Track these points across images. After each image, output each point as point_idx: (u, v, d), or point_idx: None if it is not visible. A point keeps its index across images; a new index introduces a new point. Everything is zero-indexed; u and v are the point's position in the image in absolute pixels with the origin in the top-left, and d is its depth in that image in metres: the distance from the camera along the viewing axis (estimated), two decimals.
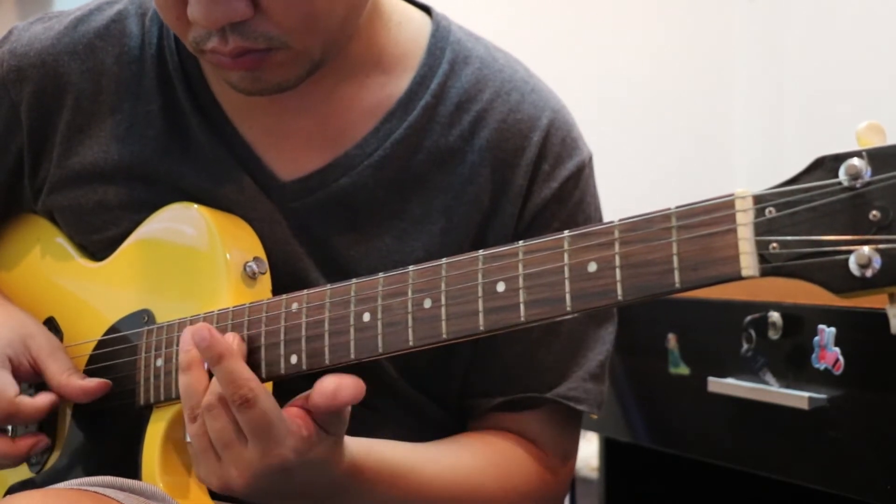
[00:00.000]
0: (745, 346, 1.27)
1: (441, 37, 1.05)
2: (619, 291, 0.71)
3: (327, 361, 0.87)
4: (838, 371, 1.15)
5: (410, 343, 0.82)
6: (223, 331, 0.94)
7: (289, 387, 0.95)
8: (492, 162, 1.03)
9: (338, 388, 0.83)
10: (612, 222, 0.73)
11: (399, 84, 1.04)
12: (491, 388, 1.05)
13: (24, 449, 1.05)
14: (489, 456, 1.03)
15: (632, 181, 2.09)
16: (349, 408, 0.85)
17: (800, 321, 1.21)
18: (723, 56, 2.19)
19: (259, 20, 0.89)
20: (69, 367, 1.05)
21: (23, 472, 1.10)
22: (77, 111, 1.06)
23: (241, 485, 0.86)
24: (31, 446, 1.05)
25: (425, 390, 1.06)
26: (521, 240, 1.00)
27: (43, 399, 1.03)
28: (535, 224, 1.03)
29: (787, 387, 1.22)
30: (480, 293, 0.79)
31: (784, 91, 2.04)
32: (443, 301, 0.81)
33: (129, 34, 1.06)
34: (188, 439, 0.89)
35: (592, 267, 0.73)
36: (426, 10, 1.09)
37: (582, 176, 1.05)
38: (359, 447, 0.92)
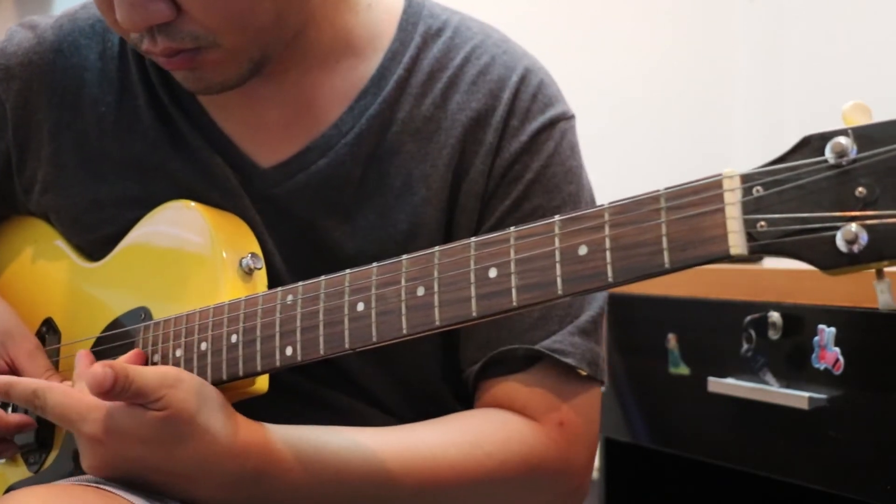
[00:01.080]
0: (745, 346, 1.27)
1: (413, 12, 1.06)
2: (610, 273, 0.71)
3: (322, 352, 0.87)
4: (838, 371, 1.16)
5: (404, 331, 0.82)
6: (219, 325, 0.94)
7: (284, 379, 0.96)
8: (464, 123, 1.02)
9: (91, 381, 0.85)
10: (602, 205, 0.73)
11: (371, 63, 1.04)
12: (477, 355, 1.02)
13: (13, 426, 1.04)
14: (456, 423, 0.99)
15: (630, 180, 2.08)
16: (150, 384, 0.86)
17: (800, 321, 1.21)
18: (723, 56, 2.19)
19: (183, 21, 0.90)
20: (48, 369, 1.05)
21: (21, 472, 1.10)
22: (62, 108, 1.07)
23: (85, 465, 0.90)
24: (18, 422, 1.04)
25: (450, 384, 1.05)
26: (492, 196, 1.01)
27: (14, 417, 1.04)
28: (507, 178, 1.02)
29: (787, 387, 1.22)
30: (473, 279, 0.79)
31: (784, 91, 2.03)
32: (436, 288, 0.81)
33: (112, 30, 1.07)
34: None
35: (583, 250, 0.73)
36: None
37: (556, 128, 1.04)
38: (279, 433, 0.90)
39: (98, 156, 1.06)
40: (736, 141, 2.16)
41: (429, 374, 1.05)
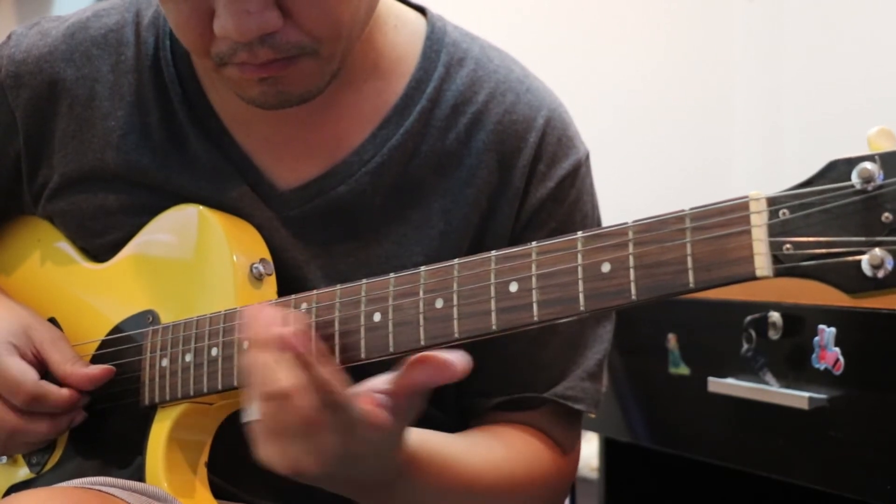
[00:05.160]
0: (745, 346, 1.27)
1: (436, 39, 1.05)
2: (633, 291, 0.72)
3: (337, 361, 0.87)
4: (838, 371, 1.16)
5: (422, 343, 0.83)
6: (231, 331, 0.94)
7: None
8: (489, 164, 1.03)
9: (448, 360, 0.80)
10: (625, 223, 0.73)
11: (395, 89, 1.03)
12: (489, 388, 1.05)
13: (73, 400, 1.03)
14: (517, 446, 1.03)
15: (630, 183, 2.10)
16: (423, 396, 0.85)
17: (800, 321, 1.21)
18: (723, 56, 2.20)
19: (288, 30, 0.88)
20: (72, 356, 1.05)
21: (23, 473, 1.10)
22: (71, 117, 1.06)
23: (313, 470, 0.84)
24: (77, 399, 1.03)
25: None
26: (517, 240, 1.01)
27: (68, 391, 1.03)
28: (532, 224, 1.03)
29: (787, 387, 1.22)
30: (493, 293, 0.79)
31: (784, 91, 2.04)
32: (455, 301, 0.81)
33: (126, 43, 1.06)
34: (254, 417, 0.85)
35: (606, 267, 0.73)
36: (421, 10, 1.08)
37: (578, 174, 1.05)
38: (412, 436, 0.91)
39: (105, 167, 1.05)
40: (735, 141, 2.17)
41: None
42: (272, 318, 0.84)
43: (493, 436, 1.04)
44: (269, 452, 0.85)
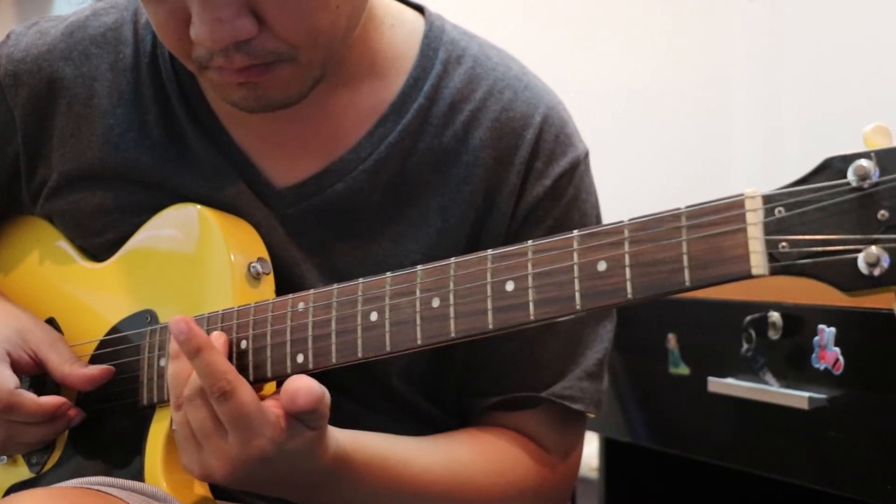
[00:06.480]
0: (745, 346, 1.27)
1: (434, 37, 1.05)
2: (629, 290, 0.72)
3: (334, 360, 0.87)
4: (838, 371, 1.16)
5: (419, 342, 0.83)
6: (228, 330, 0.94)
7: None
8: (486, 161, 1.02)
9: (296, 393, 0.84)
10: (621, 222, 0.73)
11: (392, 87, 1.03)
12: (487, 388, 1.05)
13: (50, 408, 1.03)
14: (483, 451, 1.03)
15: (630, 182, 2.10)
16: (328, 402, 0.86)
17: (800, 321, 1.21)
18: (723, 56, 2.20)
19: (264, 37, 0.89)
20: (70, 357, 1.05)
21: (23, 473, 1.10)
22: (70, 116, 1.06)
23: (221, 474, 0.87)
24: (57, 406, 1.03)
25: (424, 392, 1.06)
26: (514, 238, 1.01)
27: (48, 399, 1.03)
28: (528, 222, 1.03)
29: (787, 387, 1.22)
30: (489, 292, 0.79)
31: (784, 91, 2.05)
32: (451, 300, 0.81)
33: (125, 41, 1.06)
34: (173, 427, 0.91)
35: (602, 266, 0.73)
36: (420, 9, 1.08)
37: (576, 172, 1.05)
38: (346, 438, 0.92)
39: (103, 166, 1.05)
40: (735, 141, 2.17)
41: (416, 384, 1.06)
42: (182, 331, 0.87)
43: (464, 440, 1.04)
44: (185, 460, 0.90)
